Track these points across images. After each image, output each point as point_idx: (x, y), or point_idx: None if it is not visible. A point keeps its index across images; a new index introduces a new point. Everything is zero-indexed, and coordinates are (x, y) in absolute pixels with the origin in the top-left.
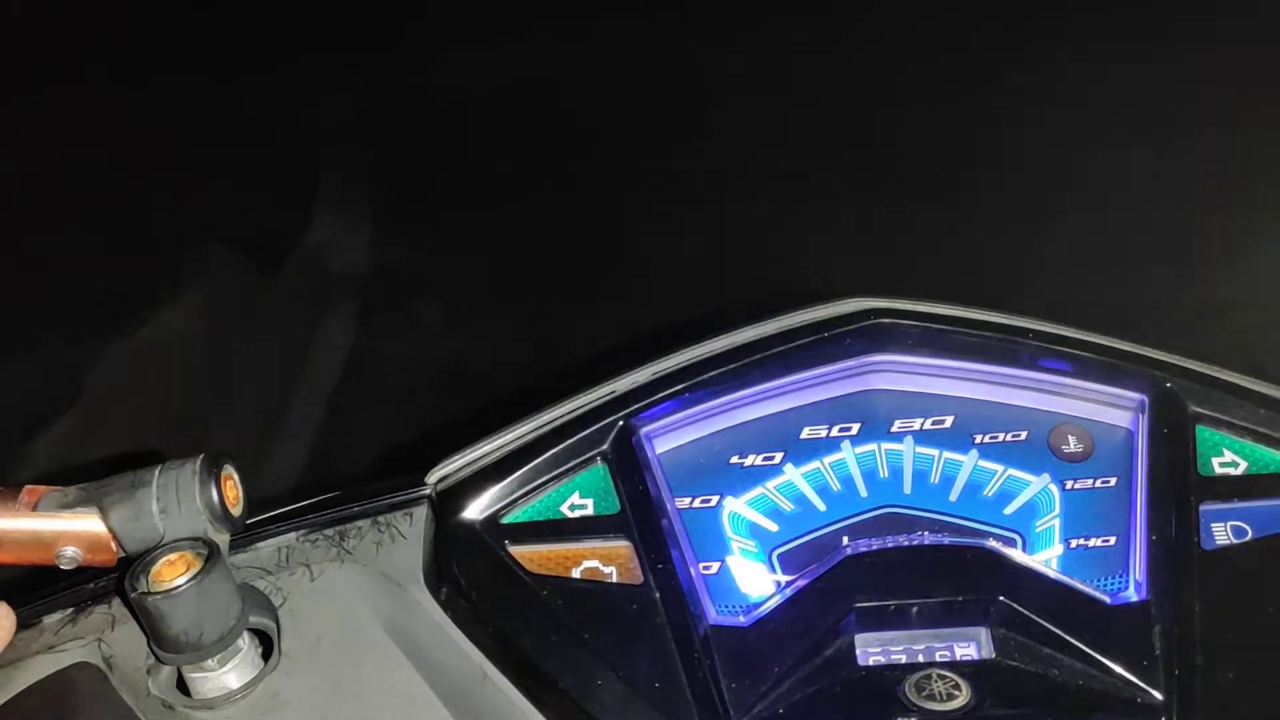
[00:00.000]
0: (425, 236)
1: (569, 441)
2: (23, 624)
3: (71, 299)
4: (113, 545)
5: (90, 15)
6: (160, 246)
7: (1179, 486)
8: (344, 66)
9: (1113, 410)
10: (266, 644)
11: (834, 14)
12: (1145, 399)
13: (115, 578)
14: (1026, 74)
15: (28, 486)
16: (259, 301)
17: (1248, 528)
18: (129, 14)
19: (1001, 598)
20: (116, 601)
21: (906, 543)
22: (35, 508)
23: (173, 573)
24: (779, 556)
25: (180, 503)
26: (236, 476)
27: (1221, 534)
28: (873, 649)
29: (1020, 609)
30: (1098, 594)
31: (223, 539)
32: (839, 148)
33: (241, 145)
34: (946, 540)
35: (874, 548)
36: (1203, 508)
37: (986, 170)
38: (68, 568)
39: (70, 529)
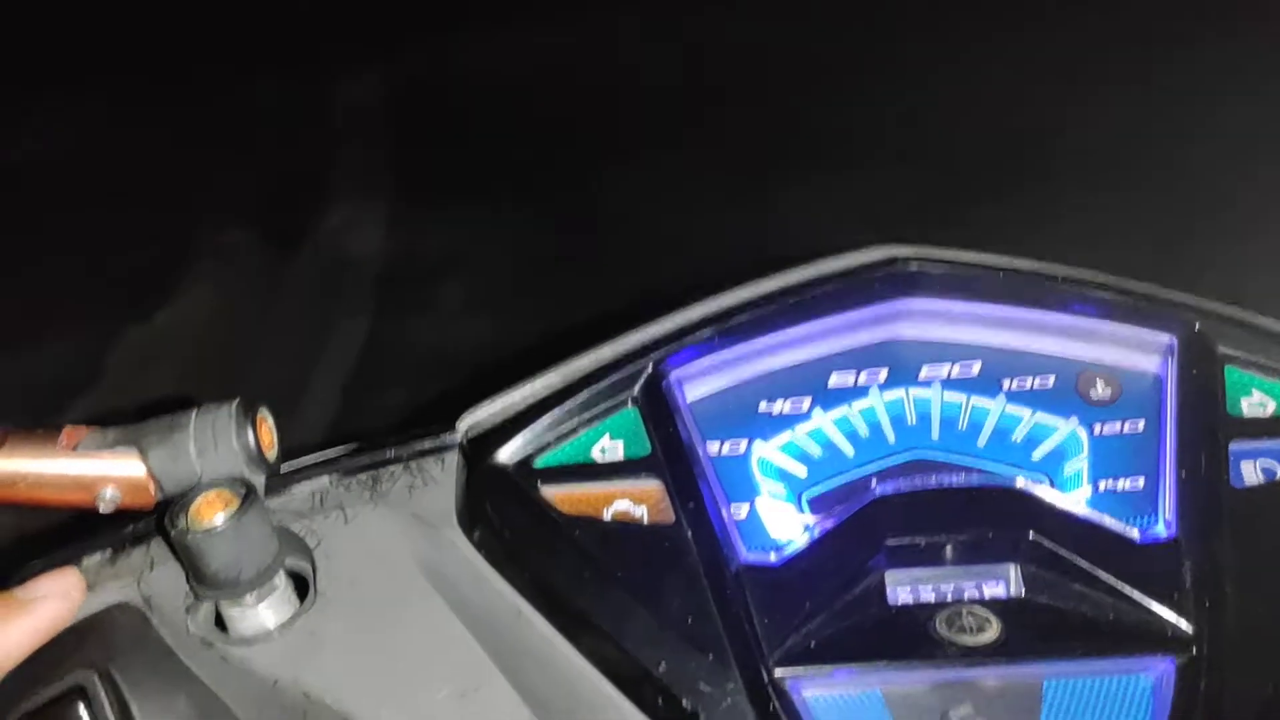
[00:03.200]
0: (443, 219)
1: (600, 386)
2: (62, 565)
3: (93, 280)
4: (151, 487)
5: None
6: (180, 229)
7: (1208, 426)
8: (364, 51)
9: (1141, 354)
10: (302, 587)
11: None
12: (1174, 341)
13: (152, 521)
14: None
15: (67, 428)
16: (278, 283)
17: (1277, 467)
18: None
19: (1031, 534)
20: (154, 544)
21: (935, 483)
22: (75, 449)
23: (211, 511)
24: (808, 500)
25: (217, 445)
26: (271, 421)
27: (1251, 473)
28: (902, 587)
29: (1050, 545)
30: (1127, 531)
31: (258, 481)
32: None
33: (262, 129)
34: (975, 480)
35: (903, 489)
36: (1232, 447)
37: None
38: (106, 510)
39: (110, 470)
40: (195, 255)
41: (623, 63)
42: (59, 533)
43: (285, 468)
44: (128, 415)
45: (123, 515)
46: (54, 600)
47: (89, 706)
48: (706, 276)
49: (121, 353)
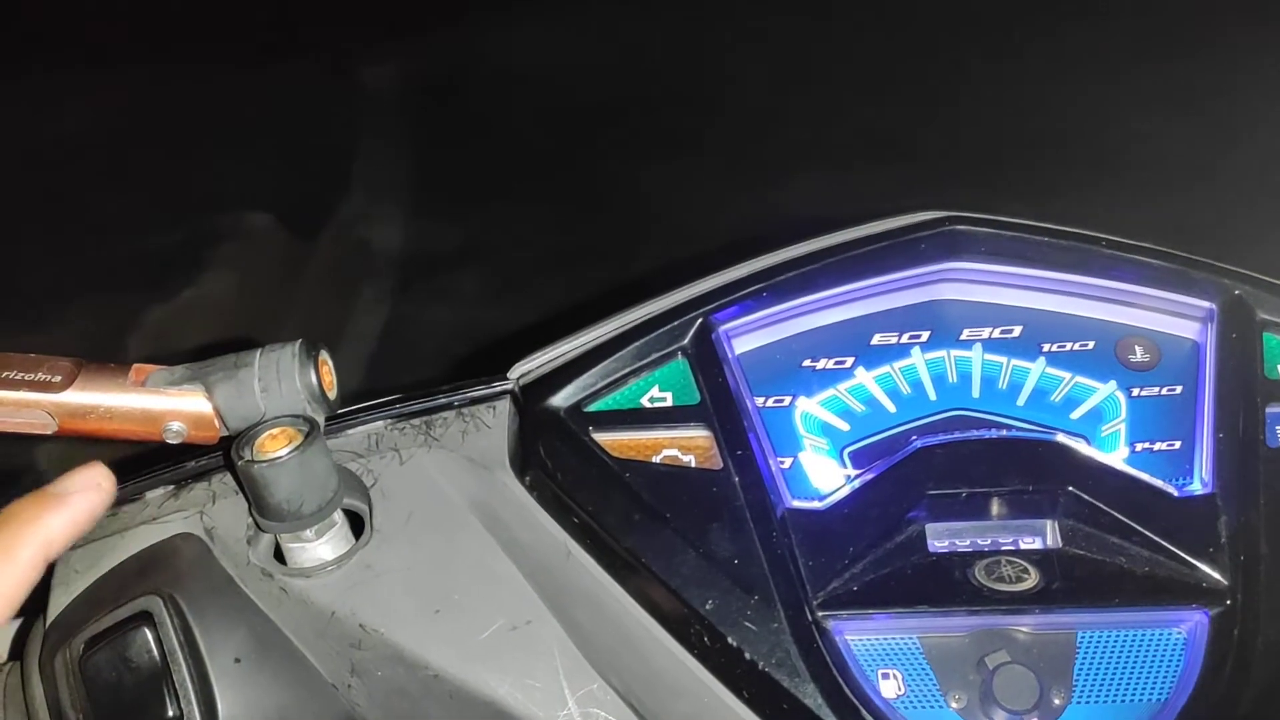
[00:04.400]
0: (463, 208)
1: (651, 336)
2: (127, 499)
3: (117, 260)
4: (216, 422)
5: None
6: (203, 214)
7: (1246, 388)
8: (388, 39)
9: (1180, 321)
10: (357, 526)
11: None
12: (1214, 307)
13: (216, 456)
14: None
15: (136, 365)
16: (299, 269)
17: None
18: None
19: (1070, 488)
20: (216, 478)
21: (976, 437)
22: (144, 384)
23: (275, 445)
24: (850, 454)
25: (280, 382)
26: (331, 363)
27: None
28: (942, 537)
29: (1088, 498)
30: (1165, 486)
31: (319, 419)
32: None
33: (286, 115)
34: (1015, 434)
35: (944, 441)
36: (1269, 409)
37: None
38: (174, 442)
39: (176, 405)
40: (218, 239)
41: (643, 55)
42: (123, 466)
43: (342, 411)
44: (193, 354)
45: (187, 449)
46: (87, 492)
47: (154, 630)
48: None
49: (143, 332)
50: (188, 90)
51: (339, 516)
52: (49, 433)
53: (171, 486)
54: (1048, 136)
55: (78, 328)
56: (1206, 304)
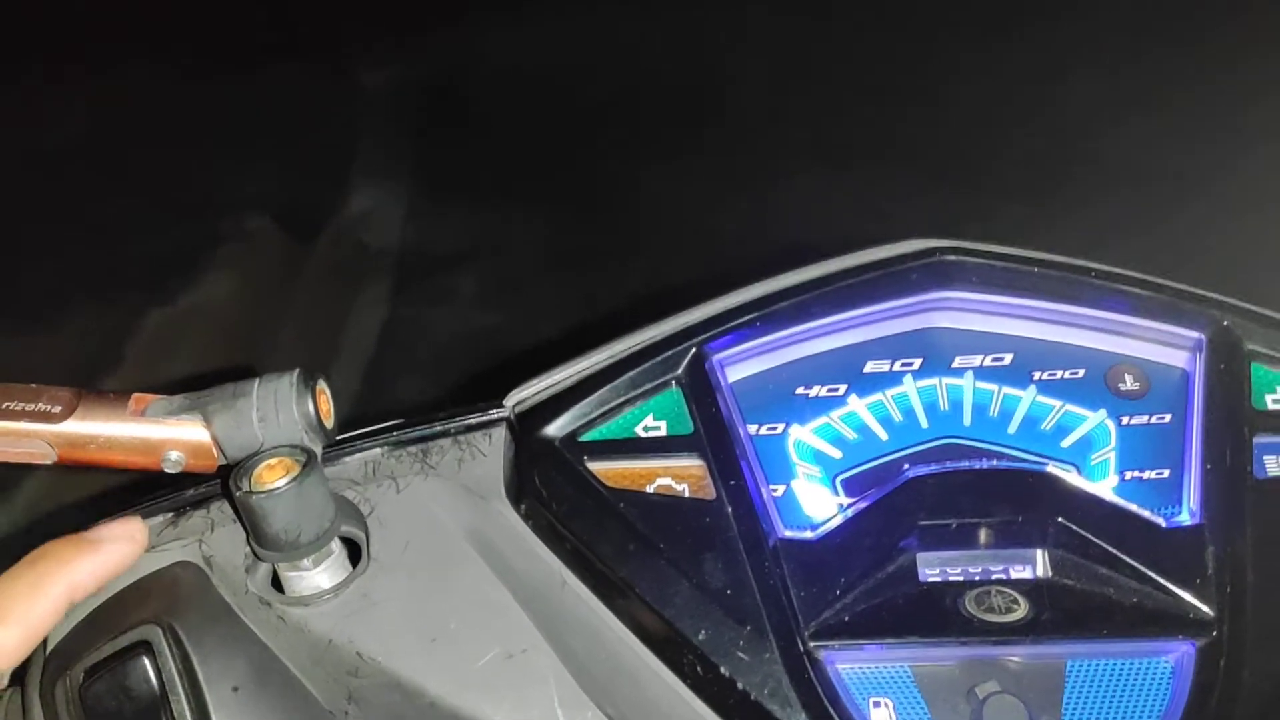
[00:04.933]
0: (462, 210)
1: (645, 365)
2: None
3: (116, 263)
4: (214, 452)
5: None
6: (202, 216)
7: (1233, 419)
8: (387, 40)
9: (1169, 350)
10: (354, 553)
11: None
12: (1202, 337)
13: (212, 486)
14: None
15: (135, 394)
16: (299, 271)
17: None
18: None
19: (1060, 518)
20: (215, 506)
21: (967, 467)
22: (143, 414)
23: (273, 475)
24: (842, 481)
25: (278, 412)
26: (329, 392)
27: (1274, 465)
28: (933, 566)
29: (1077, 529)
30: (1153, 517)
31: (316, 449)
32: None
33: (285, 116)
34: (1006, 465)
35: (935, 471)
36: (1256, 440)
37: None
38: (172, 471)
39: (175, 434)
40: (218, 241)
41: (644, 55)
42: (123, 494)
43: (339, 438)
44: (192, 383)
45: (185, 478)
46: (120, 542)
47: (153, 659)
48: (723, 270)
49: (143, 335)
50: (186, 91)
51: (336, 545)
52: (49, 463)
53: (170, 514)
54: (1045, 139)
55: (76, 330)
56: (1195, 334)
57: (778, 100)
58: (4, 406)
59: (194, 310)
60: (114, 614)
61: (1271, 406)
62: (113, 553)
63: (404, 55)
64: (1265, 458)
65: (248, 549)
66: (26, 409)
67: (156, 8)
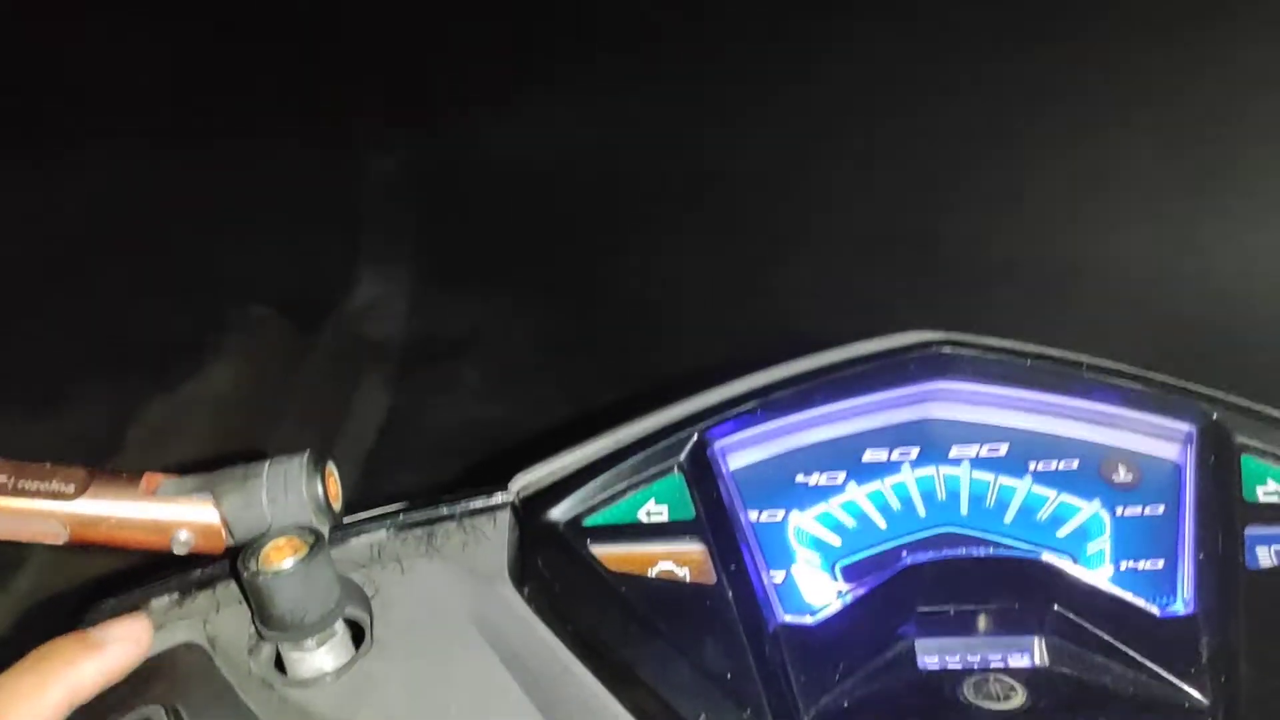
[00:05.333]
0: (464, 300)
1: (648, 452)
2: (132, 607)
3: (118, 350)
4: (223, 533)
5: (142, 70)
6: (205, 302)
7: (1225, 511)
8: (390, 129)
9: (1161, 442)
10: (358, 635)
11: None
12: (1193, 430)
13: (218, 567)
14: None
15: (147, 474)
16: (300, 360)
17: None
18: (182, 71)
19: (1056, 606)
20: (220, 587)
21: (964, 555)
22: (155, 493)
23: (281, 555)
24: (842, 568)
25: (288, 493)
26: (337, 474)
27: (1266, 556)
28: (932, 653)
29: (1073, 617)
30: (1147, 606)
31: (324, 530)
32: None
33: (286, 206)
34: (1002, 554)
35: (933, 559)
36: (1248, 531)
37: None
38: (179, 552)
39: (185, 515)
40: (220, 328)
41: (649, 144)
42: (129, 575)
43: (345, 521)
44: (204, 464)
45: (193, 559)
46: (125, 643)
47: None
48: (724, 357)
49: (144, 422)
50: (188, 175)
51: (340, 626)
52: (60, 542)
53: (175, 595)
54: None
55: (76, 415)
56: (1186, 427)
57: (778, 191)
58: (18, 485)
59: (195, 397)
60: (118, 694)
61: (1263, 499)
62: (117, 654)
63: (410, 143)
64: (1258, 549)
65: (252, 630)
66: (40, 487)
67: (154, 91)
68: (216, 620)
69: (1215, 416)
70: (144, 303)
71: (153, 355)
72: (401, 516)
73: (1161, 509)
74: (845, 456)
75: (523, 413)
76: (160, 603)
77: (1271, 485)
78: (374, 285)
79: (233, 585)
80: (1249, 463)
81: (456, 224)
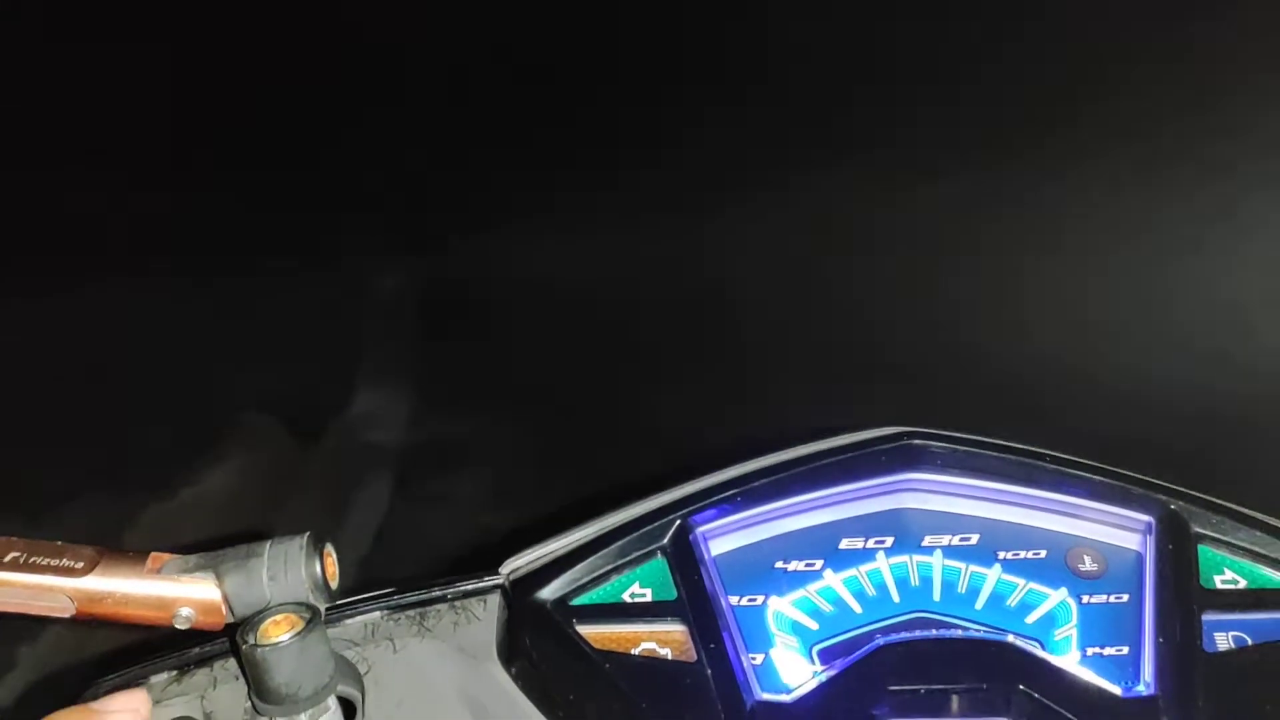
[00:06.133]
0: (463, 414)
1: (632, 535)
2: (132, 682)
3: (116, 455)
4: (223, 609)
5: (154, 194)
6: (206, 409)
7: (1184, 597)
8: (395, 247)
9: (1123, 533)
10: (350, 711)
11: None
12: (1152, 520)
13: (218, 643)
14: None
15: (153, 553)
16: (298, 471)
17: (1247, 636)
18: (192, 198)
19: (1022, 687)
20: (218, 664)
21: (936, 637)
22: (159, 571)
23: (279, 630)
24: (819, 651)
25: (288, 572)
26: (335, 555)
27: (1223, 640)
28: None
29: (1040, 698)
30: (1110, 687)
31: (320, 608)
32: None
33: (290, 320)
34: (972, 635)
35: (905, 639)
36: (1205, 617)
37: None
38: (181, 627)
39: (188, 593)
40: (218, 436)
41: (654, 271)
42: (128, 652)
43: (341, 601)
44: (208, 544)
45: (194, 634)
46: (125, 715)
47: None
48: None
49: (140, 527)
50: (194, 290)
51: (332, 702)
52: (67, 616)
53: (175, 671)
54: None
55: (73, 525)
56: (1146, 518)
57: (777, 320)
58: (30, 560)
59: (192, 503)
60: None
61: (1220, 586)
62: None
63: (414, 261)
64: (1215, 634)
65: (248, 704)
66: (51, 563)
67: (170, 207)
68: (214, 696)
69: (1173, 507)
70: (143, 410)
71: (151, 464)
72: (396, 598)
73: (1126, 597)
74: (823, 544)
75: (514, 527)
76: (159, 679)
77: (1228, 574)
78: (373, 398)
79: (229, 663)
80: (1205, 552)
81: (457, 340)
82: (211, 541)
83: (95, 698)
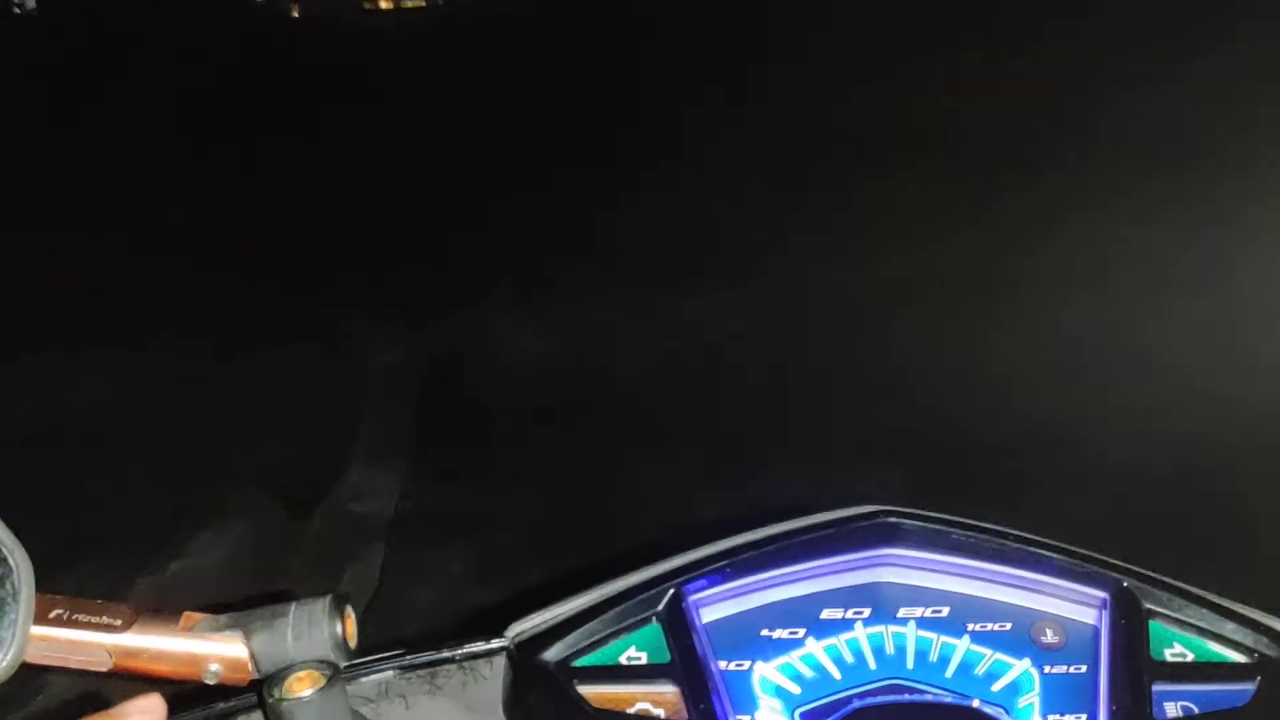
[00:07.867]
0: (453, 488)
1: (629, 602)
2: None
3: (113, 528)
4: (250, 666)
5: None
6: (203, 483)
7: (1135, 670)
8: (392, 326)
9: (1081, 608)
10: None
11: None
12: (1107, 597)
13: (243, 698)
14: None
15: (185, 612)
16: (293, 543)
17: (1194, 706)
18: (199, 278)
19: None
20: (242, 718)
21: (909, 700)
22: (192, 629)
23: (302, 685)
24: (800, 714)
25: (311, 631)
26: (355, 616)
27: (1172, 709)
28: None
29: None
30: None
31: (340, 665)
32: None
33: (289, 397)
34: (940, 700)
35: (879, 702)
36: (1156, 688)
37: None
38: (210, 682)
39: (217, 650)
40: (215, 510)
41: (642, 352)
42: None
43: (357, 660)
44: (237, 604)
45: (221, 688)
46: (142, 716)
47: None
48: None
49: (135, 599)
50: (194, 369)
51: None
52: (104, 670)
53: None
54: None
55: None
56: (1101, 594)
57: (764, 397)
58: (72, 617)
59: (188, 574)
60: None
61: (1169, 658)
62: None
63: (411, 341)
64: (1165, 704)
65: None
66: (92, 620)
67: (166, 289)
68: None
69: (1125, 585)
70: (141, 485)
71: (150, 534)
72: (408, 658)
73: (1084, 668)
74: (805, 614)
75: (505, 600)
76: None
77: (1177, 648)
78: (368, 473)
79: (254, 716)
80: (1156, 627)
81: (450, 417)
82: (239, 601)
83: None
